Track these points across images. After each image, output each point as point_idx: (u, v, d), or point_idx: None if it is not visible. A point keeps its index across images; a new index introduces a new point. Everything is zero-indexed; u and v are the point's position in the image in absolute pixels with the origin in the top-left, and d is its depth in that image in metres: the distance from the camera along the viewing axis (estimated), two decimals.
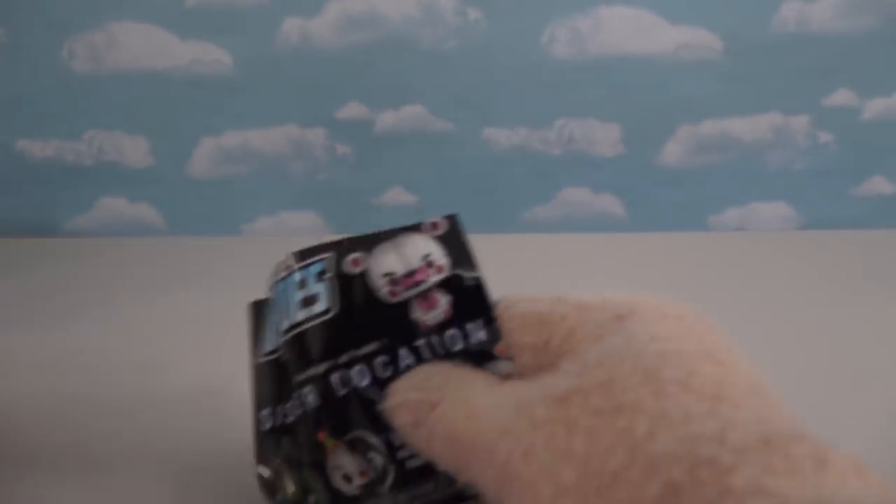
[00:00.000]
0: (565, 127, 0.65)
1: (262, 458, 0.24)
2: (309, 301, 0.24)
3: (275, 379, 0.24)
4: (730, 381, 0.17)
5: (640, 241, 0.61)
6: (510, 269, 0.52)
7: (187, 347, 0.41)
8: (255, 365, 0.26)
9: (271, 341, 0.25)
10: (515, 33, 0.63)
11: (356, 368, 0.23)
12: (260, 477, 0.24)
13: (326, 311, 0.24)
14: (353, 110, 0.65)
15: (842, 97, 0.63)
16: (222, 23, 0.63)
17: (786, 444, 0.15)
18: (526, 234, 0.65)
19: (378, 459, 0.22)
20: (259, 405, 0.25)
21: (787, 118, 0.64)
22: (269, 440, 0.24)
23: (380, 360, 0.23)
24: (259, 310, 0.27)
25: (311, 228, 0.68)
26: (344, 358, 0.23)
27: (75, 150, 0.66)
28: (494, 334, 0.23)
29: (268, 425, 0.24)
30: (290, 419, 0.23)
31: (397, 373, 0.23)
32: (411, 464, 0.22)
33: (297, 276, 0.24)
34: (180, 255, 0.58)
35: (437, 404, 0.20)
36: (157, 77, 0.64)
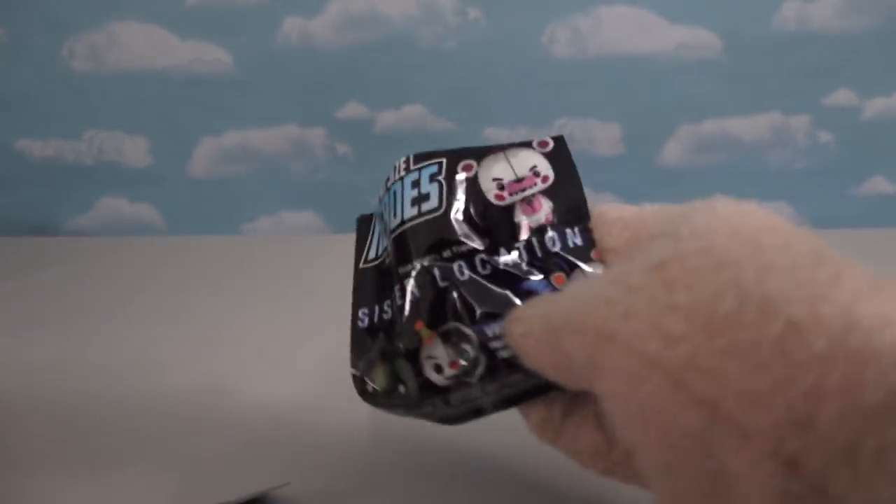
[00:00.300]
0: (565, 127, 0.65)
1: (356, 355, 0.25)
2: (420, 199, 0.26)
3: (376, 282, 0.26)
4: (823, 267, 0.16)
5: None
6: None
7: (187, 347, 0.41)
8: (357, 271, 0.27)
9: (375, 248, 0.27)
10: (515, 33, 0.63)
11: (457, 264, 0.24)
12: (353, 375, 0.25)
13: (436, 209, 0.25)
14: (353, 110, 0.65)
15: (842, 97, 0.63)
16: (222, 23, 0.63)
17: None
18: None
19: (470, 351, 0.23)
20: (357, 305, 0.26)
21: (787, 118, 0.64)
22: (365, 337, 0.26)
23: (480, 257, 0.24)
24: (364, 224, 0.29)
25: (311, 228, 0.68)
26: (447, 253, 0.24)
27: (75, 149, 0.66)
28: (589, 241, 0.24)
29: (365, 323, 0.26)
30: (388, 315, 0.25)
31: (495, 270, 0.24)
32: (502, 354, 0.23)
33: (412, 177, 0.26)
34: (180, 254, 0.58)
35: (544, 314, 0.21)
36: (157, 77, 0.64)
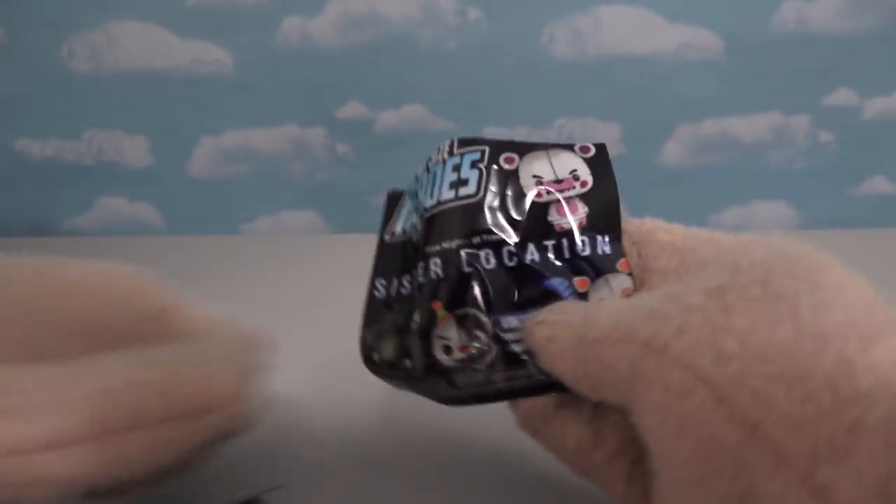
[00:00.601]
0: (565, 127, 0.65)
1: (367, 323, 0.26)
2: (459, 184, 0.26)
3: (399, 256, 0.27)
4: (878, 298, 0.18)
5: None
6: None
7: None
8: (381, 243, 0.28)
9: (402, 224, 0.27)
10: (515, 33, 0.63)
11: (485, 251, 0.24)
12: (361, 342, 0.25)
13: (472, 196, 0.25)
14: (353, 110, 0.65)
15: (842, 97, 0.63)
16: (222, 23, 0.63)
17: None
18: None
19: (483, 338, 0.23)
20: (376, 275, 0.27)
21: (787, 118, 0.64)
22: (380, 307, 0.26)
23: (507, 248, 0.24)
24: (393, 200, 0.29)
25: (311, 228, 0.68)
26: (476, 240, 0.25)
27: (75, 149, 0.66)
28: (618, 251, 0.24)
29: (381, 294, 0.26)
30: (406, 291, 0.25)
31: (521, 264, 0.24)
32: (514, 348, 0.23)
33: (454, 161, 0.26)
34: (180, 254, 0.58)
35: (573, 324, 0.21)
36: (156, 77, 0.64)
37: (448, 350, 0.23)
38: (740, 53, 0.62)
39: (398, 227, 0.28)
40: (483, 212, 0.25)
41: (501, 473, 0.29)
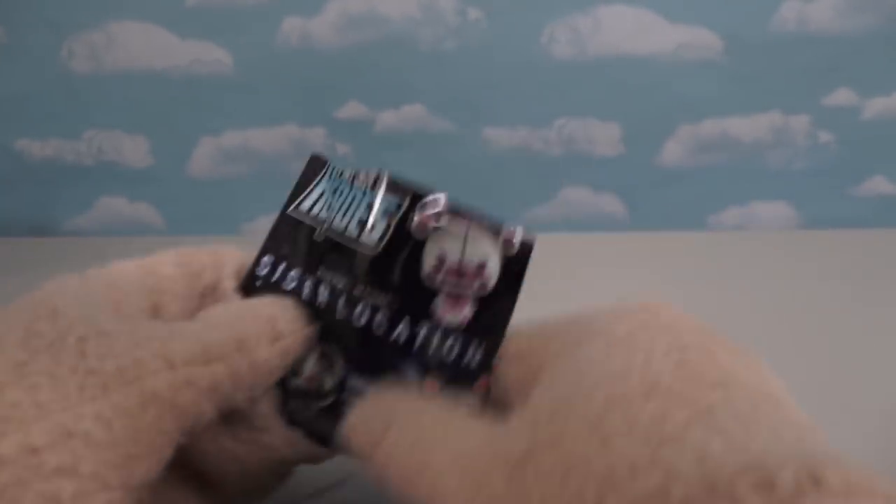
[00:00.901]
0: (565, 127, 0.65)
1: (243, 285, 0.25)
2: (364, 225, 0.25)
3: (295, 242, 0.26)
4: (672, 413, 0.16)
5: (640, 240, 0.61)
6: None
7: None
8: (283, 213, 0.27)
9: (320, 207, 0.26)
10: (515, 33, 0.63)
11: (361, 306, 0.24)
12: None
13: (370, 248, 0.25)
14: (353, 110, 0.65)
15: (842, 97, 0.63)
16: (222, 23, 0.63)
17: (730, 482, 0.14)
18: None
19: (328, 382, 0.24)
20: (267, 250, 0.26)
21: (787, 118, 0.64)
22: (252, 281, 0.25)
23: (381, 317, 0.24)
24: (316, 166, 0.28)
25: None
26: (357, 291, 0.24)
27: (75, 149, 0.66)
28: (484, 366, 0.23)
29: (263, 272, 0.25)
30: (285, 285, 0.25)
31: (386, 337, 0.24)
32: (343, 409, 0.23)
33: (371, 198, 0.26)
34: None
35: (388, 429, 0.20)
36: (156, 77, 0.64)
37: (296, 373, 0.24)
38: (740, 53, 0.62)
39: (310, 205, 0.26)
40: (370, 269, 0.25)
41: None
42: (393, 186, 0.26)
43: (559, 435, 0.17)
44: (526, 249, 0.25)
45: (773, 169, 0.66)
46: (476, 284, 0.24)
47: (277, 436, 0.23)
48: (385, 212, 0.25)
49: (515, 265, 0.25)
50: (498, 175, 0.66)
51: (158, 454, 0.19)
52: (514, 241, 0.25)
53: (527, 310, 0.44)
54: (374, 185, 0.26)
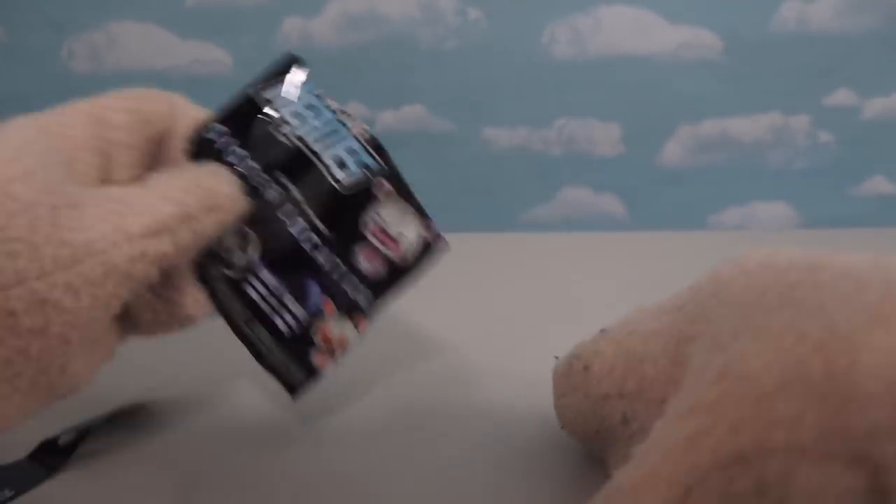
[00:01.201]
0: (565, 127, 0.65)
1: (189, 142, 0.26)
2: (343, 166, 0.28)
3: (252, 127, 0.27)
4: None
5: (640, 240, 0.61)
6: (510, 269, 0.52)
7: (186, 346, 0.41)
8: (247, 92, 0.28)
9: (287, 111, 0.28)
10: (515, 33, 0.63)
11: (302, 220, 0.27)
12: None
13: (344, 186, 0.28)
14: (352, 110, 0.64)
15: (842, 97, 0.63)
16: (222, 23, 0.63)
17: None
18: (526, 233, 0.65)
19: (238, 258, 0.26)
20: (221, 118, 0.27)
21: (787, 118, 0.64)
22: (199, 144, 0.26)
23: (314, 236, 0.27)
24: (290, 64, 0.30)
25: None
26: (307, 207, 0.27)
27: None
28: (368, 312, 0.28)
29: (209, 136, 0.26)
30: (228, 158, 0.26)
31: (309, 253, 0.27)
32: (250, 293, 0.27)
33: (349, 143, 0.28)
34: None
35: None
36: (157, 77, 0.64)
37: (221, 244, 0.26)
38: (740, 53, 0.62)
39: (277, 102, 0.28)
40: (327, 199, 0.27)
41: (499, 476, 0.29)
42: (376, 147, 0.29)
43: (755, 330, 0.17)
44: (432, 248, 0.29)
45: (773, 169, 0.66)
46: (394, 251, 0.28)
47: (188, 295, 0.26)
48: (364, 165, 0.28)
49: (423, 257, 0.29)
50: (498, 175, 0.66)
51: (111, 313, 0.22)
52: (430, 235, 0.29)
53: (529, 309, 0.44)
54: (361, 141, 0.29)
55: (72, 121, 0.24)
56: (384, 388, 0.35)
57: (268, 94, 0.28)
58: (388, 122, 0.65)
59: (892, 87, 0.63)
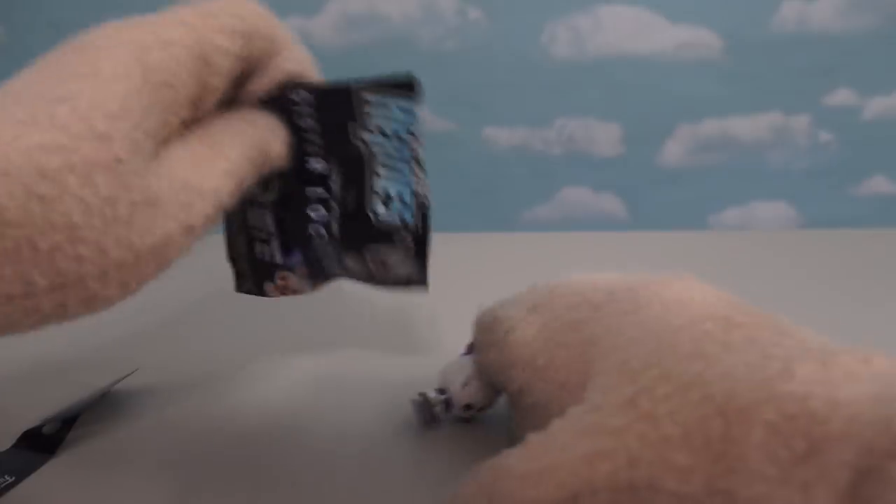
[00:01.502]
0: (565, 127, 0.65)
1: (273, 93, 0.26)
2: (388, 203, 0.28)
3: (334, 112, 0.28)
4: (755, 335, 0.19)
5: (640, 240, 0.61)
6: (510, 269, 0.52)
7: (186, 346, 0.41)
8: (349, 85, 0.28)
9: (373, 122, 0.28)
10: (515, 33, 0.63)
11: (328, 214, 0.28)
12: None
13: (380, 214, 0.28)
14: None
15: (842, 96, 0.63)
16: None
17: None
18: (526, 233, 0.65)
19: (272, 243, 0.29)
20: (311, 88, 0.27)
21: (787, 118, 0.64)
22: (281, 100, 0.26)
23: (324, 227, 0.28)
24: (407, 89, 0.28)
25: None
26: (338, 208, 0.28)
27: None
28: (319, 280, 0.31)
29: (293, 97, 0.27)
30: (298, 121, 0.27)
31: (311, 233, 0.29)
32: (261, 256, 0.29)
33: (413, 186, 0.28)
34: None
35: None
36: None
37: (263, 239, 0.29)
38: (740, 53, 0.62)
39: (370, 109, 0.27)
40: (356, 224, 0.28)
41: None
42: (422, 209, 0.29)
43: (665, 371, 0.18)
44: (411, 286, 0.30)
45: (773, 169, 0.66)
46: (379, 274, 0.30)
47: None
48: (403, 216, 0.28)
49: (401, 286, 0.31)
50: (498, 175, 0.66)
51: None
52: (415, 281, 0.30)
53: None
54: (417, 165, 0.29)
55: (178, 65, 0.20)
56: (384, 388, 0.35)
57: (369, 97, 0.27)
58: None
59: (892, 87, 0.63)
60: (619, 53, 0.63)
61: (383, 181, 0.28)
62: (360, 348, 0.40)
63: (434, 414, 0.30)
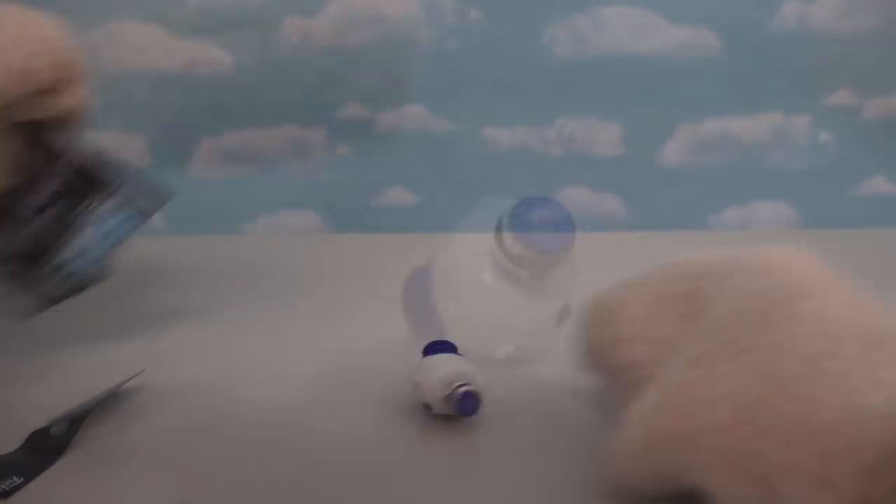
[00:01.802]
0: (565, 127, 0.65)
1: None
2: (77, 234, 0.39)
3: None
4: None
5: (640, 240, 0.61)
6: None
7: (186, 346, 0.41)
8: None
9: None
10: (515, 33, 0.63)
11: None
12: None
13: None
14: (353, 110, 0.65)
15: (842, 97, 0.63)
16: (222, 23, 0.63)
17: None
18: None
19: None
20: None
21: (787, 118, 0.64)
22: None
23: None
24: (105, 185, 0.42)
25: (311, 228, 0.68)
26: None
27: None
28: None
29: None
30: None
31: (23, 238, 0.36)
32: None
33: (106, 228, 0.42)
34: (180, 254, 0.58)
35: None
36: (156, 77, 0.64)
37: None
38: (740, 53, 0.62)
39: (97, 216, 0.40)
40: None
41: (493, 473, 0.29)
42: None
43: (735, 335, 0.21)
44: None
45: (773, 169, 0.66)
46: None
47: None
48: (85, 275, 0.38)
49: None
50: (498, 175, 0.66)
51: None
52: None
53: (529, 308, 0.44)
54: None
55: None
56: (383, 388, 0.35)
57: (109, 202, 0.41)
58: (388, 122, 0.65)
59: (892, 87, 0.63)
60: (619, 54, 0.63)
61: (81, 242, 0.37)
62: (361, 348, 0.40)
63: (480, 400, 0.30)
